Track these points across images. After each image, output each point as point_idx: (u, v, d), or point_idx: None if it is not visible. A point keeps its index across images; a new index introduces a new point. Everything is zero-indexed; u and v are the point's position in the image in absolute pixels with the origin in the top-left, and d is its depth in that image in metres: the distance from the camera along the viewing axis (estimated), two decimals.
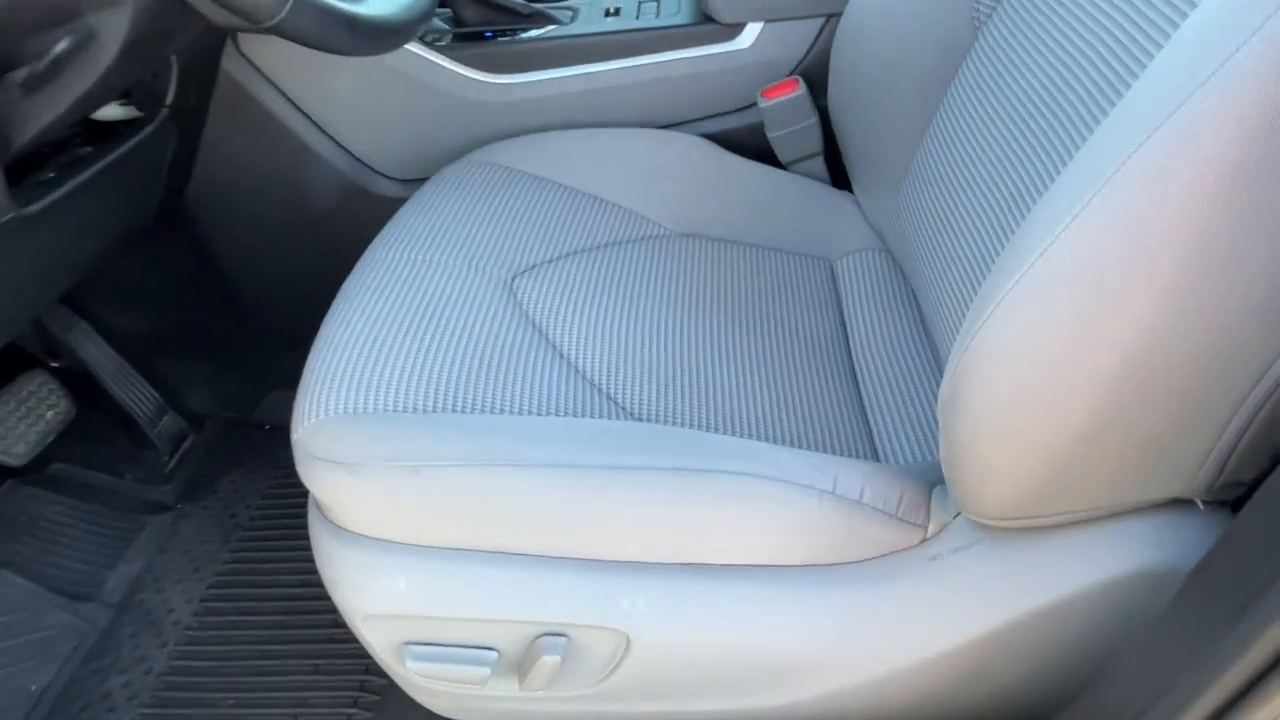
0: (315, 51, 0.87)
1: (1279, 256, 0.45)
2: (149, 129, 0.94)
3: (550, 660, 0.66)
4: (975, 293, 0.72)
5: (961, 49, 0.86)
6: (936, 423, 0.80)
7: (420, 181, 1.05)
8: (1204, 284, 0.45)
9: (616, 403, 0.76)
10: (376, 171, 1.13)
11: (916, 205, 0.90)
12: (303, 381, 0.73)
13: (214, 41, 1.00)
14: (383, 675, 0.96)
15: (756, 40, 1.05)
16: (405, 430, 0.66)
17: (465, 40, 1.09)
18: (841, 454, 0.76)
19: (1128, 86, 0.60)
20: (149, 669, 1.01)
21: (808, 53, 1.06)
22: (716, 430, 0.75)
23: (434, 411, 0.69)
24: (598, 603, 0.65)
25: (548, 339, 0.80)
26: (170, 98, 0.94)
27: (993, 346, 0.51)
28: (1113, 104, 0.61)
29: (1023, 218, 0.67)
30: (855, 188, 1.05)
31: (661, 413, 0.76)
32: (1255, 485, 0.59)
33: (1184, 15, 0.55)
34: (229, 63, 1.03)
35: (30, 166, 0.84)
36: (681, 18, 1.08)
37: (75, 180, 0.85)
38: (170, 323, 1.28)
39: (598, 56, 1.06)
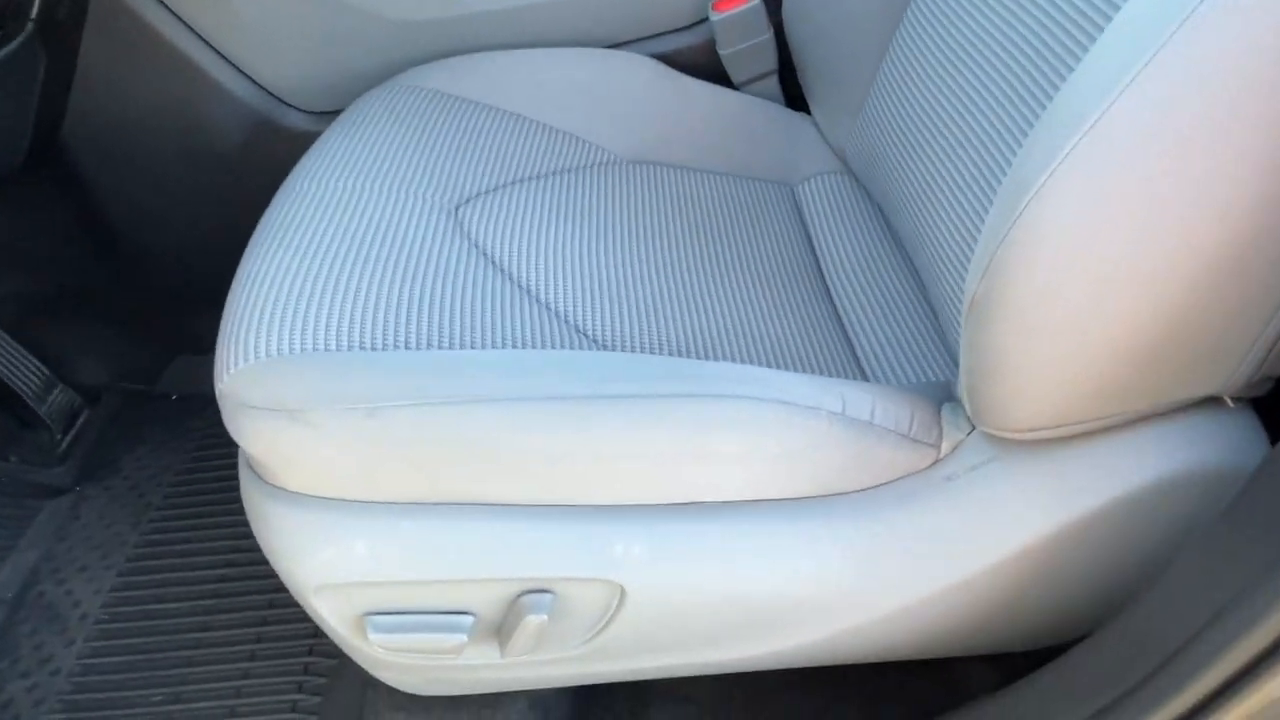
0: None
1: None
2: (10, 48, 0.80)
3: (535, 620, 0.58)
4: (965, 209, 0.67)
5: None
6: (926, 343, 0.76)
7: (336, 115, 0.94)
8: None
9: (585, 334, 0.69)
10: (286, 103, 1.01)
11: (884, 123, 0.84)
12: (224, 325, 0.63)
13: None
14: (330, 654, 0.87)
15: None
16: (355, 368, 0.57)
17: None
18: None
19: None
20: (56, 669, 0.90)
21: None
22: (697, 358, 0.69)
23: (384, 349, 0.60)
24: (587, 552, 0.58)
25: (502, 269, 0.72)
26: (35, 10, 0.81)
27: (1037, 233, 0.46)
28: None
29: (1021, 121, 0.63)
30: (813, 108, 0.99)
31: (635, 342, 0.69)
32: None
33: None
34: None
35: None
36: None
37: None
38: (53, 284, 1.13)
39: None
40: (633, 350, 0.69)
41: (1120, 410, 0.54)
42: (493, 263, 0.72)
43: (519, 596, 0.59)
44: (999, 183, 0.62)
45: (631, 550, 0.58)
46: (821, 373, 0.72)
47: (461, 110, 0.89)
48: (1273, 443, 0.57)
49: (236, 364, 0.59)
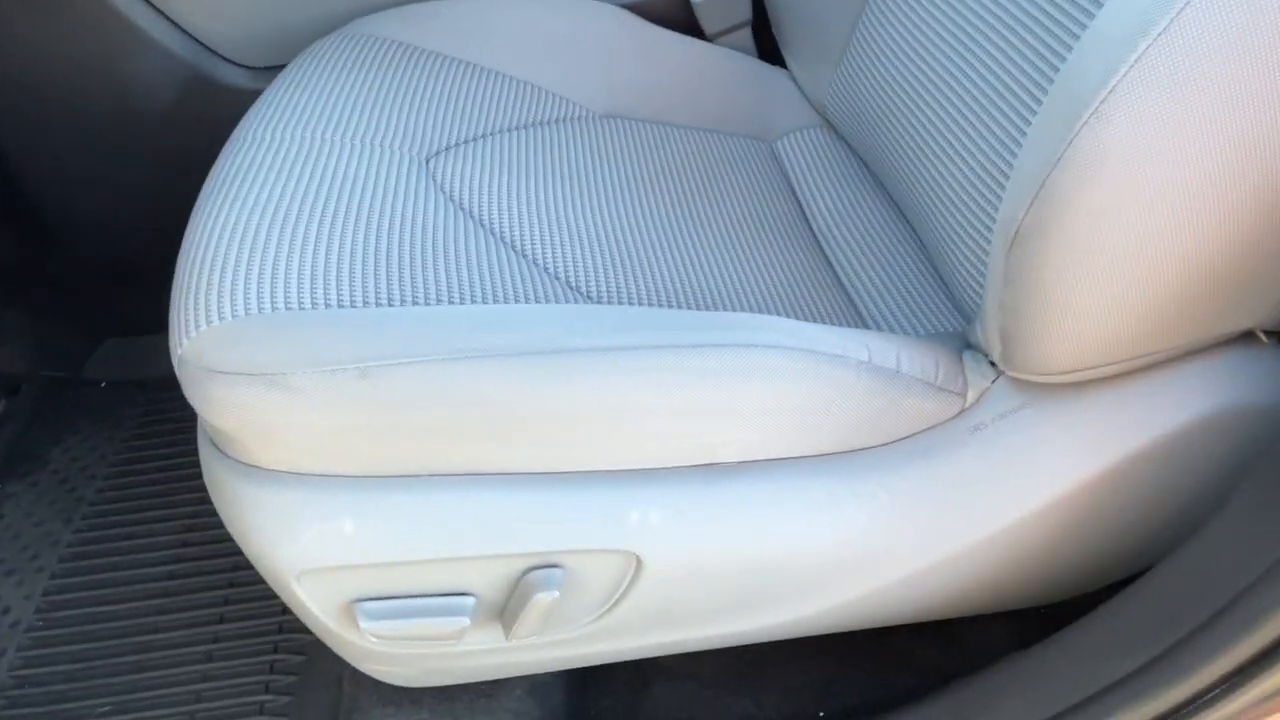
0: None
1: None
2: None
3: (545, 598, 0.54)
4: (973, 159, 0.64)
5: None
6: (929, 295, 0.73)
7: (279, 70, 0.86)
8: None
9: (580, 290, 0.64)
10: (224, 58, 0.93)
11: (867, 73, 0.81)
12: (177, 285, 0.56)
13: None
14: (297, 650, 0.80)
15: None
16: (339, 326, 0.51)
17: None
18: None
19: None
20: None
21: None
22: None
23: (365, 306, 0.54)
24: (600, 521, 0.54)
25: (484, 224, 0.66)
26: None
27: (1096, 153, 0.43)
28: None
29: (1032, 55, 0.59)
30: (789, 60, 0.96)
31: (629, 296, 0.65)
32: None
33: None
34: None
35: None
36: None
37: None
38: None
39: None
40: (627, 304, 0.64)
41: (1161, 347, 0.52)
42: (473, 217, 0.67)
43: (525, 573, 0.54)
44: (1019, 116, 0.59)
45: (648, 517, 0.54)
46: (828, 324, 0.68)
47: (420, 60, 0.83)
48: None
49: (198, 326, 0.52)
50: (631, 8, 0.94)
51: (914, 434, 0.57)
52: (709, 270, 0.70)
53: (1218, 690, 0.44)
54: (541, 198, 0.71)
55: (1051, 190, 0.45)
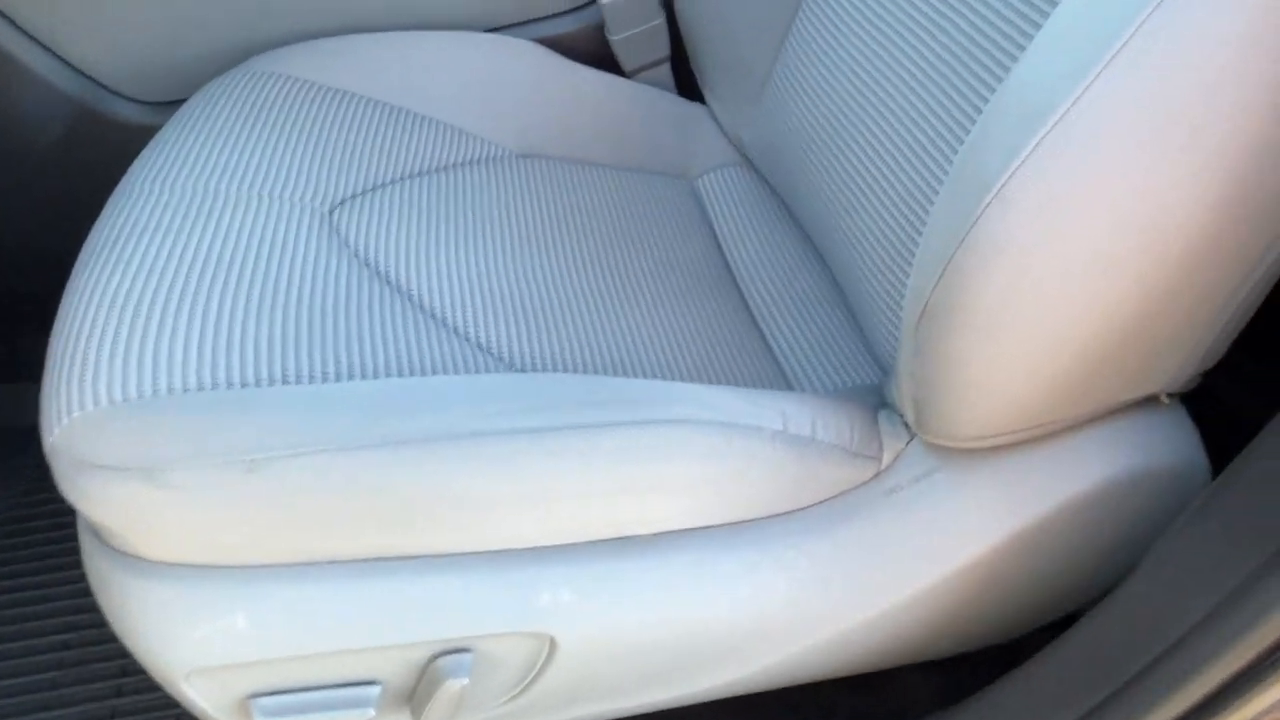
0: None
1: None
2: None
3: (455, 685, 0.51)
4: (890, 209, 0.64)
5: None
6: (847, 345, 0.73)
7: (176, 105, 0.82)
8: (1260, 140, 0.39)
9: (490, 352, 0.62)
10: (115, 92, 0.88)
11: (787, 111, 0.81)
12: (50, 363, 0.53)
13: None
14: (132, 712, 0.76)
15: None
16: (225, 412, 0.48)
17: None
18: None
19: None
20: None
21: None
22: (615, 374, 0.63)
23: (257, 386, 0.51)
24: (510, 603, 0.52)
25: (390, 282, 0.64)
26: None
27: (999, 235, 0.42)
28: None
29: (952, 108, 0.59)
30: (709, 96, 0.95)
31: (545, 360, 0.63)
32: (1207, 376, 0.55)
33: None
34: None
35: None
36: None
37: None
38: None
39: None
40: (543, 368, 0.62)
41: (1070, 415, 0.52)
42: (378, 274, 0.64)
43: (433, 659, 0.52)
44: (932, 176, 0.58)
45: (560, 596, 0.52)
46: (747, 383, 0.67)
47: (326, 99, 0.79)
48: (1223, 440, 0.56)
49: (70, 412, 0.49)
50: (548, 44, 0.92)
51: (830, 498, 0.57)
52: (626, 329, 0.68)
53: None
54: (453, 252, 0.69)
55: (958, 268, 0.44)
